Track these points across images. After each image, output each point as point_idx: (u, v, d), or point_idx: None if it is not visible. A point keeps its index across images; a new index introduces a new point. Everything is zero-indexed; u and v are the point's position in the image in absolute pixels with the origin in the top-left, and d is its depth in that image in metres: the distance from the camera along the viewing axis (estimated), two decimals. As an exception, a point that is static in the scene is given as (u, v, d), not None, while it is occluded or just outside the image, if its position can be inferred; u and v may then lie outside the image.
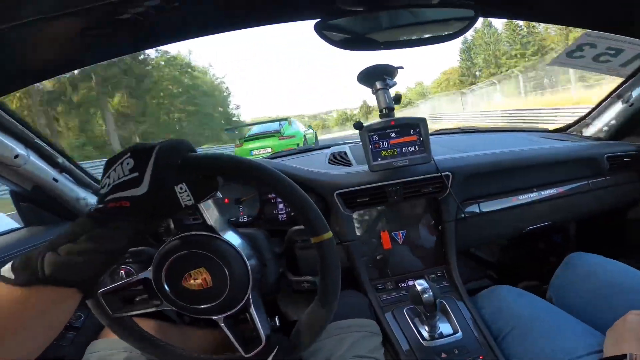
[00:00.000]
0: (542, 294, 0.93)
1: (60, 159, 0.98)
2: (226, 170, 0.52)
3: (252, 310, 0.60)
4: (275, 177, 0.52)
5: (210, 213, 0.60)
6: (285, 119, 8.98)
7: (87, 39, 0.81)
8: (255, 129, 9.06)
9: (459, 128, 1.50)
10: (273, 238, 0.77)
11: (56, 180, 0.95)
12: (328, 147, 1.38)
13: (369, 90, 1.05)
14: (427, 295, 0.84)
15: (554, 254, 1.48)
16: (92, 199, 1.07)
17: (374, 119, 1.25)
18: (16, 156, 0.84)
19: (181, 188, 0.46)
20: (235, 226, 1.00)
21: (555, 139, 1.41)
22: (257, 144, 8.20)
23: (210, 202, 0.59)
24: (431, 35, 0.91)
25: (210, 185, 0.51)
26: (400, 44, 0.89)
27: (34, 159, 0.89)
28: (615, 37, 1.11)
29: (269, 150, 7.74)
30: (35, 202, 0.98)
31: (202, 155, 0.50)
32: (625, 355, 0.54)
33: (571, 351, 0.70)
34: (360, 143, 1.03)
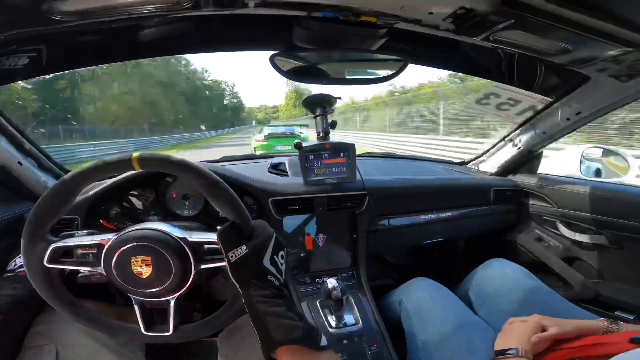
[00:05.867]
0: None
1: (28, 146, 1.07)
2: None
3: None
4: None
5: None
6: (307, 125, 10.63)
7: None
8: (277, 128, 11.31)
9: (383, 153, 1.74)
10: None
11: (21, 164, 1.05)
12: (271, 157, 1.53)
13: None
14: (336, 292, 1.03)
15: (444, 263, 1.79)
16: (51, 182, 1.15)
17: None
18: None
19: None
20: (179, 218, 1.11)
21: (457, 170, 1.70)
22: (280, 142, 9.86)
23: None
24: (369, 76, 1.10)
25: None
26: (342, 81, 1.06)
27: (3, 143, 0.99)
28: (515, 89, 1.39)
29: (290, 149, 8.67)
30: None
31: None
32: (508, 349, 0.74)
33: (470, 336, 0.89)
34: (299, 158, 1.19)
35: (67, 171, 1.23)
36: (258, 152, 9.12)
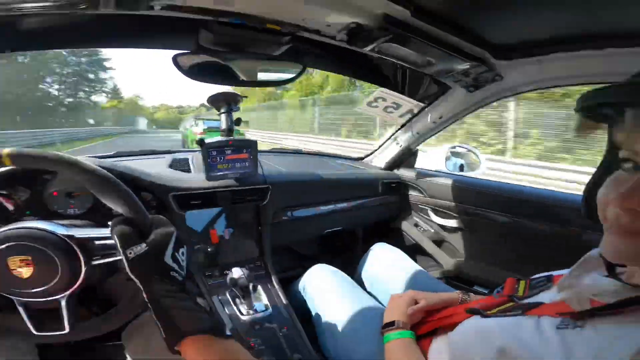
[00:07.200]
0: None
1: None
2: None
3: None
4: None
5: None
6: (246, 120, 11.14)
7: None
8: (212, 122, 11.10)
9: (291, 149, 1.84)
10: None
11: None
12: (173, 152, 1.50)
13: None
14: (242, 280, 1.10)
15: (346, 250, 1.97)
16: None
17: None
18: None
19: None
20: (63, 218, 1.02)
21: (354, 165, 1.90)
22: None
23: None
24: (270, 79, 1.18)
25: None
26: (244, 83, 1.12)
27: None
28: (398, 95, 1.61)
29: None
30: None
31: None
32: (394, 322, 0.86)
33: (363, 313, 1.00)
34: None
35: None
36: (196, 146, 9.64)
